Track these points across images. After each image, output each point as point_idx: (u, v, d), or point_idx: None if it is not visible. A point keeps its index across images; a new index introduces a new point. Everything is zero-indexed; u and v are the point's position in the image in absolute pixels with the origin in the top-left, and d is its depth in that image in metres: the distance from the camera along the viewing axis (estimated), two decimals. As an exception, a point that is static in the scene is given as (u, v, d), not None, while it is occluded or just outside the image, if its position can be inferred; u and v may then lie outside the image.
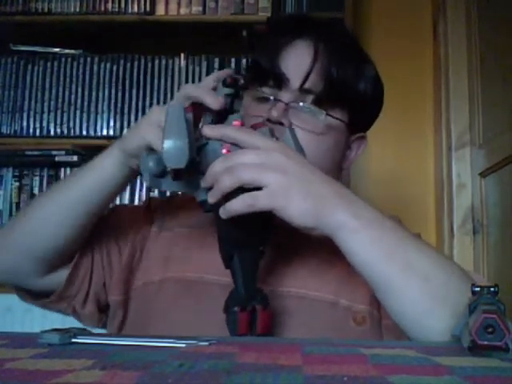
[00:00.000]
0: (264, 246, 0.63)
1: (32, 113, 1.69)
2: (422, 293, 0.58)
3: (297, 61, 0.74)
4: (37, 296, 0.78)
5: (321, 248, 0.74)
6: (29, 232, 0.72)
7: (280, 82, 0.74)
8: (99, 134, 1.67)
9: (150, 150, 0.61)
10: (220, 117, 0.64)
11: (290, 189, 0.57)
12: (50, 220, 0.71)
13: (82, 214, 0.71)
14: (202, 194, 0.61)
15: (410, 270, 0.58)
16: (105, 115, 1.68)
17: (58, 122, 1.69)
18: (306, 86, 0.74)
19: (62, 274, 0.75)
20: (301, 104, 0.74)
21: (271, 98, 0.74)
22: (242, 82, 0.63)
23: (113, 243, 0.79)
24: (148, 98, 1.68)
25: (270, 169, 0.58)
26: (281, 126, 0.72)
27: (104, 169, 0.70)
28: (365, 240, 0.58)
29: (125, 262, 0.78)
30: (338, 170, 0.82)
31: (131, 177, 0.71)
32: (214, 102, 0.63)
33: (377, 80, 0.82)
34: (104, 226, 0.78)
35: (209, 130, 0.62)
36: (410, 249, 0.60)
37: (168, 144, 0.55)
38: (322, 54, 0.74)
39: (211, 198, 0.59)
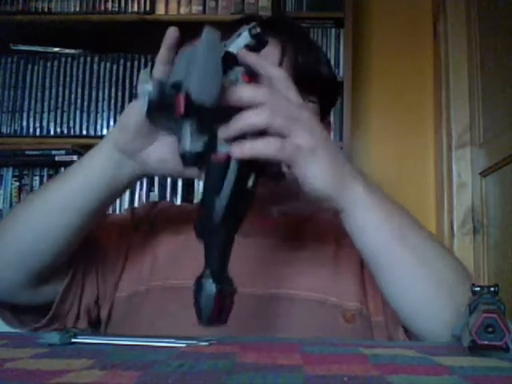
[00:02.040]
0: (242, 221, 0.54)
1: (32, 113, 1.69)
2: (427, 281, 0.58)
3: (263, 56, 0.75)
4: (23, 320, 0.73)
5: (306, 246, 0.75)
6: (13, 241, 0.67)
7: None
8: (99, 133, 1.67)
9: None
10: (225, 63, 0.55)
11: (316, 149, 0.54)
12: (34, 230, 0.66)
13: (69, 223, 0.65)
14: (186, 144, 0.52)
15: (418, 257, 0.58)
16: (105, 115, 1.68)
17: (58, 121, 1.69)
18: None
19: (55, 288, 0.71)
20: None
21: None
22: (266, 38, 0.57)
23: (105, 259, 0.75)
24: (148, 98, 1.68)
25: (299, 123, 0.54)
26: None
27: (93, 169, 0.64)
28: (376, 219, 0.57)
29: (117, 276, 0.76)
30: None
31: (129, 179, 0.64)
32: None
33: (330, 64, 0.86)
34: (95, 240, 0.74)
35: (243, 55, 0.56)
36: (418, 235, 0.59)
37: (201, 73, 0.46)
38: (288, 47, 0.76)
39: (228, 132, 0.53)
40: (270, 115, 0.52)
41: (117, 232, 0.78)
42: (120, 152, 0.62)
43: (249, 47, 0.55)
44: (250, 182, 0.53)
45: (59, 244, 0.67)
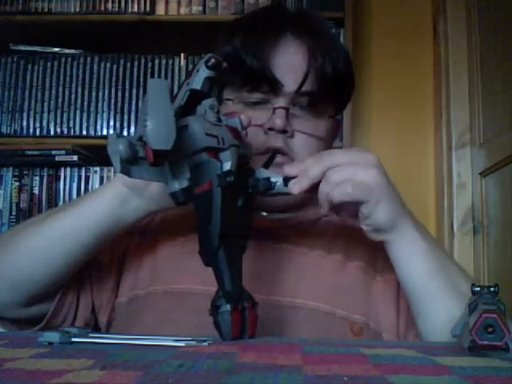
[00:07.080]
0: (247, 239, 0.58)
1: (32, 113, 1.69)
2: (457, 304, 0.58)
3: (289, 62, 0.71)
4: (18, 323, 0.72)
5: (311, 254, 0.74)
6: (9, 265, 0.67)
7: (274, 86, 0.70)
8: (99, 133, 1.67)
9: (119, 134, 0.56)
10: (194, 100, 0.57)
11: (383, 188, 0.59)
12: (35, 255, 0.66)
13: (67, 253, 0.66)
14: (173, 184, 0.56)
15: (453, 284, 0.62)
16: (105, 115, 1.68)
17: (58, 121, 1.69)
18: (303, 88, 0.71)
19: (48, 305, 0.70)
20: (300, 107, 0.72)
21: (274, 105, 0.70)
22: (225, 65, 0.56)
23: (101, 265, 0.74)
24: (148, 98, 1.68)
25: (365, 165, 0.59)
26: (283, 133, 0.70)
27: (98, 203, 0.65)
28: (422, 249, 0.62)
29: (113, 283, 0.74)
30: None
31: (134, 216, 0.65)
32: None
33: (349, 58, 0.79)
34: None
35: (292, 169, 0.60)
36: (452, 265, 0.65)
37: (153, 122, 0.48)
38: (315, 52, 0.72)
39: (297, 188, 0.58)
40: (333, 176, 0.58)
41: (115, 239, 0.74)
42: (128, 188, 0.63)
43: (210, 79, 0.56)
44: (240, 202, 0.57)
45: (57, 272, 0.67)
